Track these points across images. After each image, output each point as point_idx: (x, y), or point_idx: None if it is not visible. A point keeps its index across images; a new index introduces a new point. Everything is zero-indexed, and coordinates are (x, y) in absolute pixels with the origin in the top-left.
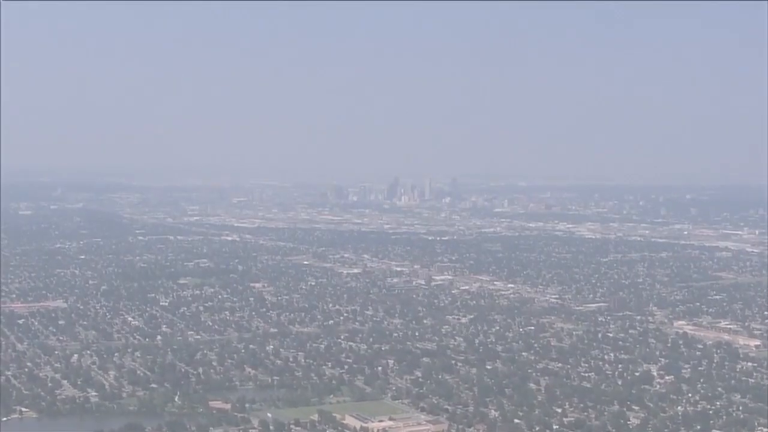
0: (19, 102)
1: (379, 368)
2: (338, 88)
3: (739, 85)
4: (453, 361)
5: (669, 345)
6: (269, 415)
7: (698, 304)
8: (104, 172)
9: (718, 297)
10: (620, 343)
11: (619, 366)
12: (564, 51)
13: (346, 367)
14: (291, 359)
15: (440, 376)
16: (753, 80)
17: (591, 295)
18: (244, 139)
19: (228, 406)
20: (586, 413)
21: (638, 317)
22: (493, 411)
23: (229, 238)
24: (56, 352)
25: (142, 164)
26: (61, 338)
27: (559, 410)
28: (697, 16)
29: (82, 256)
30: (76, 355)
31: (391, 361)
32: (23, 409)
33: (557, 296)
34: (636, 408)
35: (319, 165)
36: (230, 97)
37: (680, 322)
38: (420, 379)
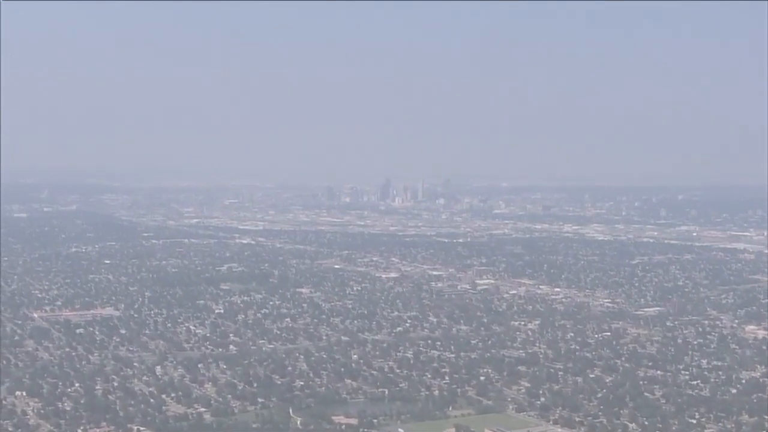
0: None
1: (482, 378)
2: (323, 90)
3: (739, 85)
4: (552, 370)
5: (755, 350)
6: (400, 430)
7: (755, 307)
8: (86, 173)
9: None
10: (705, 349)
11: (720, 373)
12: (555, 52)
13: (447, 378)
14: (387, 369)
15: (549, 386)
16: (753, 80)
17: (642, 300)
18: (224, 139)
19: (354, 422)
20: (721, 424)
21: (705, 322)
22: (627, 423)
23: (244, 241)
24: (135, 364)
25: (124, 165)
26: (131, 348)
27: (694, 421)
28: (695, 15)
29: (107, 261)
30: (158, 367)
31: (489, 370)
32: (140, 428)
33: (610, 300)
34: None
35: (302, 166)
36: (213, 98)
37: (751, 327)
38: (532, 390)
